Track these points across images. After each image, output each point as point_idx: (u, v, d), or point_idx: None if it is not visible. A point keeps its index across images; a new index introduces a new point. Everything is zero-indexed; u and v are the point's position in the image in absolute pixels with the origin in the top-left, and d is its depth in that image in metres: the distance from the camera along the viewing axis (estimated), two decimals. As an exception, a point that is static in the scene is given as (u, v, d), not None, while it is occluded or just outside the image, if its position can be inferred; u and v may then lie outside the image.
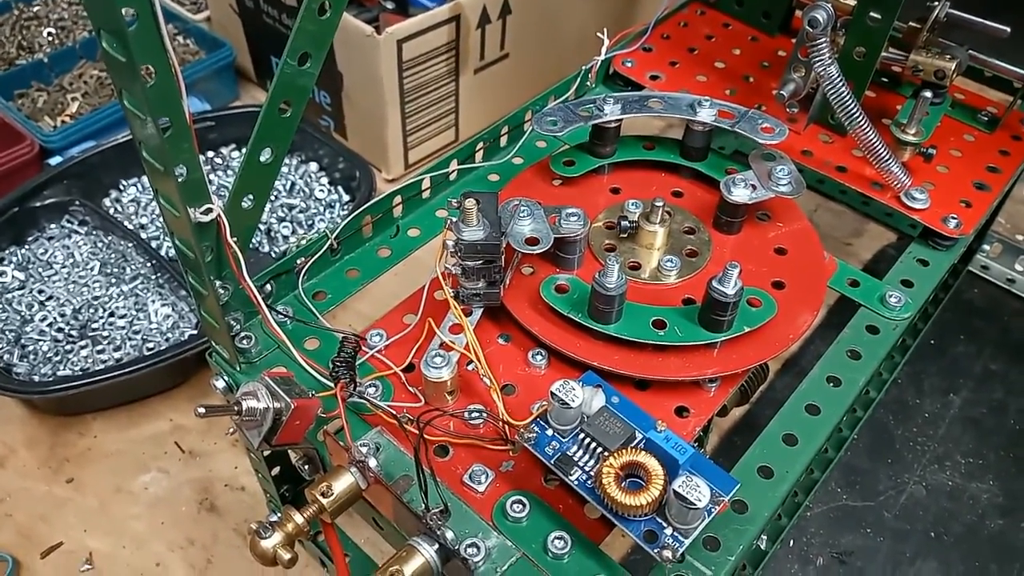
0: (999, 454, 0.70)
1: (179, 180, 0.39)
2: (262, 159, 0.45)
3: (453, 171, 0.60)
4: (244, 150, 0.90)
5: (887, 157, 0.55)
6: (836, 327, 0.52)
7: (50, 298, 0.77)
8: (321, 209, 0.86)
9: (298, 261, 0.52)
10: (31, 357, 0.72)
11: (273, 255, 0.83)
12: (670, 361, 0.45)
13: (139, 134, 0.37)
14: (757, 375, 0.53)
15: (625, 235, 0.52)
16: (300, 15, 0.42)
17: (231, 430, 0.51)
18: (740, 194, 0.51)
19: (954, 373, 0.76)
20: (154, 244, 0.81)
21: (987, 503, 0.67)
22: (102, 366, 0.71)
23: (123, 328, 0.74)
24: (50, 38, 1.01)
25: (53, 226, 0.83)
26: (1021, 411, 0.73)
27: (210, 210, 0.41)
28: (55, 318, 0.75)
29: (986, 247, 0.84)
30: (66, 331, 0.74)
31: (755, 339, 0.46)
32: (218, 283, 0.45)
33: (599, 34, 0.63)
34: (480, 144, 0.61)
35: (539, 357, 0.47)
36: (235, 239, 0.43)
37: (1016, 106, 0.65)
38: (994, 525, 0.66)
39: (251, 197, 0.45)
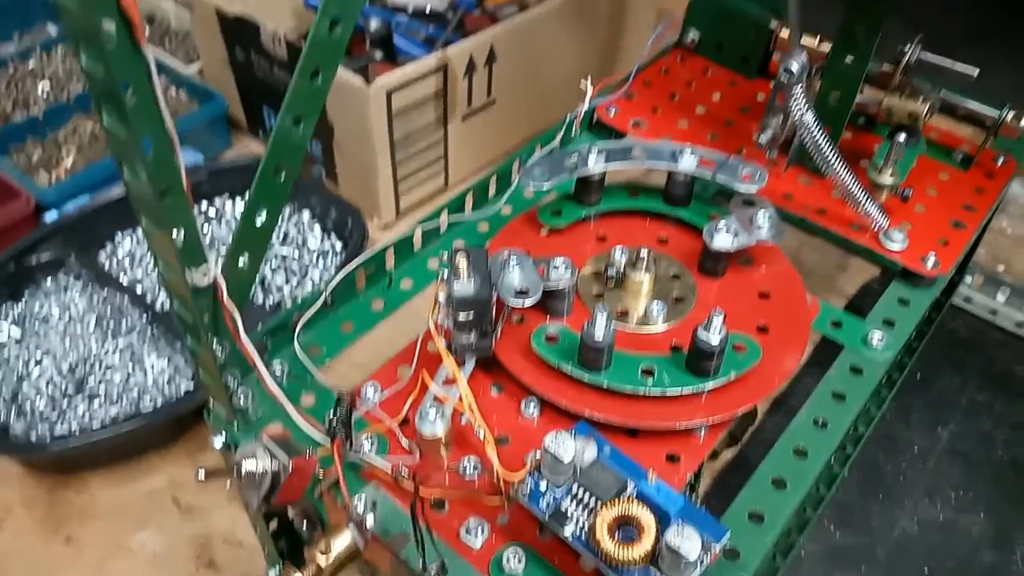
0: (988, 487, 0.71)
1: (177, 244, 0.40)
2: (258, 221, 0.46)
3: (444, 222, 0.61)
4: (238, 200, 0.92)
5: (864, 200, 0.57)
6: (823, 364, 0.53)
7: (47, 354, 0.77)
8: (314, 258, 0.87)
9: (293, 317, 0.53)
10: (28, 415, 0.72)
11: (268, 306, 0.83)
12: (660, 409, 0.46)
13: (138, 200, 0.39)
14: (746, 418, 0.54)
15: (612, 283, 0.53)
16: (294, 79, 0.44)
17: (228, 484, 0.51)
18: (723, 241, 0.52)
19: (941, 406, 0.77)
20: (149, 297, 0.82)
21: (978, 537, 0.68)
22: (99, 422, 0.71)
23: (119, 383, 0.75)
24: (44, 94, 1.02)
25: (49, 281, 0.83)
26: (1008, 442, 0.74)
27: (207, 273, 0.42)
28: (52, 374, 0.75)
29: (968, 279, 0.86)
30: (62, 387, 0.74)
31: (742, 384, 0.47)
32: (215, 343, 0.45)
33: (582, 84, 0.65)
34: (469, 195, 0.63)
35: (532, 407, 0.48)
36: (232, 299, 0.44)
37: (989, 144, 0.67)
38: (987, 558, 0.66)
39: (247, 257, 0.46)
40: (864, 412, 0.72)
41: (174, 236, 0.39)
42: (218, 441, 0.48)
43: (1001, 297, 0.85)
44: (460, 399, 0.45)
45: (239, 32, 0.89)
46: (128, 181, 0.38)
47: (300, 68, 0.43)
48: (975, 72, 0.62)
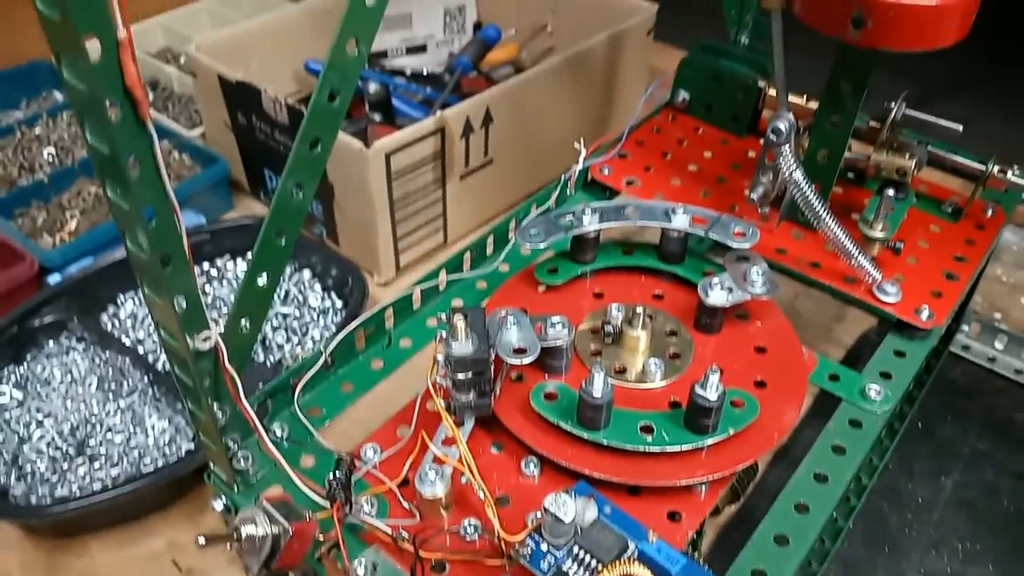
0: (995, 538, 0.70)
1: (179, 311, 0.41)
2: (259, 284, 0.47)
3: (442, 281, 0.62)
4: (239, 261, 0.93)
5: (856, 254, 0.58)
6: (824, 414, 0.53)
7: (48, 416, 0.77)
8: (315, 316, 0.88)
9: (293, 378, 0.53)
10: (28, 478, 0.72)
11: (268, 364, 0.84)
12: (660, 466, 0.46)
13: (140, 268, 0.39)
14: (747, 473, 0.54)
15: (610, 339, 0.53)
16: (294, 147, 0.45)
17: (228, 547, 0.51)
18: (717, 297, 0.53)
19: (943, 455, 0.76)
20: (151, 358, 0.82)
21: (987, 589, 0.67)
22: (99, 484, 0.71)
23: (120, 445, 0.75)
24: (50, 158, 1.04)
25: (52, 343, 0.84)
26: (1013, 492, 0.74)
27: (208, 338, 0.43)
28: (53, 436, 0.75)
29: (965, 327, 0.86)
30: (63, 449, 0.74)
31: (741, 440, 0.47)
32: (216, 406, 0.46)
33: (576, 145, 0.67)
34: (468, 253, 0.64)
35: (532, 465, 0.48)
36: (233, 363, 0.45)
37: (978, 195, 0.68)
38: (996, 611, 0.66)
39: (248, 320, 0.47)
40: (867, 463, 0.72)
41: (176, 303, 0.40)
42: (218, 504, 0.48)
43: (999, 345, 0.85)
44: (460, 459, 0.46)
45: (241, 97, 0.91)
46: (131, 250, 0.38)
47: (300, 137, 0.44)
48: (959, 128, 0.63)
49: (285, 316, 0.87)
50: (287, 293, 0.90)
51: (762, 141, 0.62)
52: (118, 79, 0.33)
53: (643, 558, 0.39)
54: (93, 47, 0.32)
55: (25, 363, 0.82)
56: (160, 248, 0.38)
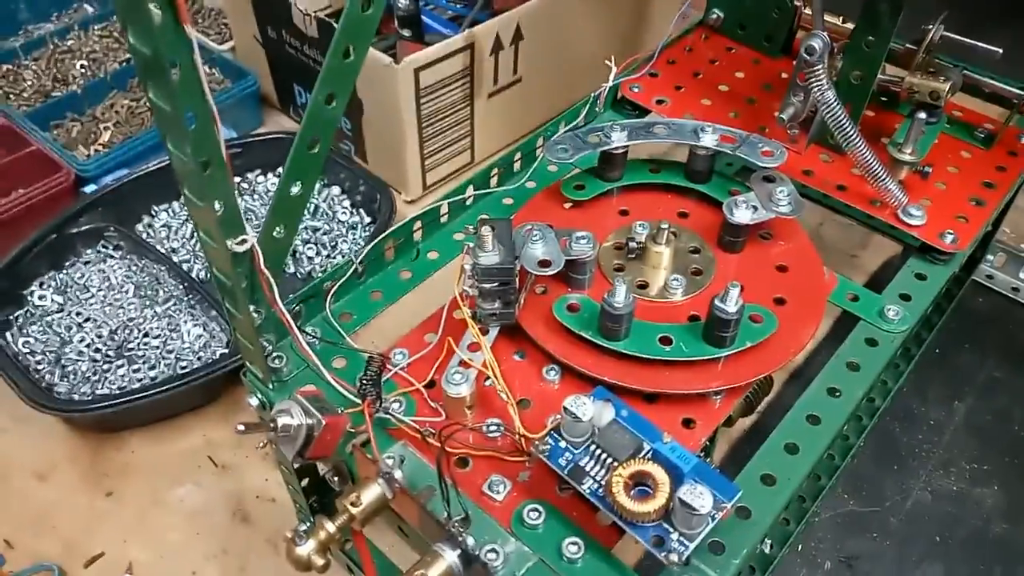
0: (1004, 461, 0.72)
1: (217, 215, 0.42)
2: (292, 192, 0.48)
3: (470, 196, 0.63)
4: (270, 175, 0.94)
5: (884, 177, 0.58)
6: (843, 339, 0.54)
7: (87, 320, 0.80)
8: (344, 231, 0.89)
9: (325, 285, 0.55)
10: (71, 377, 0.75)
11: (299, 275, 0.86)
12: (677, 375, 0.48)
13: (181, 172, 0.41)
14: (761, 387, 0.56)
15: (633, 255, 0.54)
16: (327, 58, 0.45)
17: (262, 444, 0.54)
18: (742, 215, 0.53)
19: (958, 381, 0.78)
20: (185, 267, 0.85)
21: (991, 508, 0.69)
22: (138, 384, 0.74)
23: (157, 348, 0.78)
24: (83, 70, 1.05)
25: (89, 251, 0.86)
26: (1026, 418, 0.75)
27: (245, 241, 0.44)
28: (93, 339, 0.79)
29: (990, 257, 0.86)
30: (103, 351, 0.78)
31: (758, 353, 0.49)
32: (252, 308, 0.48)
33: (607, 62, 0.66)
34: (495, 170, 0.64)
35: (552, 373, 0.50)
36: (268, 266, 0.46)
37: (1013, 121, 0.67)
38: (999, 529, 0.68)
39: (282, 227, 0.49)
40: (881, 384, 0.73)
41: (215, 207, 0.41)
42: (254, 400, 0.51)
43: (1024, 276, 0.85)
44: (484, 363, 0.48)
45: (271, 11, 0.91)
46: (172, 154, 0.40)
47: (333, 47, 0.45)
48: (999, 52, 0.62)
49: (315, 230, 0.89)
50: (316, 208, 0.91)
51: (795, 61, 0.62)
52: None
53: (657, 458, 0.41)
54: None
55: (64, 270, 0.85)
56: (200, 153, 0.39)
